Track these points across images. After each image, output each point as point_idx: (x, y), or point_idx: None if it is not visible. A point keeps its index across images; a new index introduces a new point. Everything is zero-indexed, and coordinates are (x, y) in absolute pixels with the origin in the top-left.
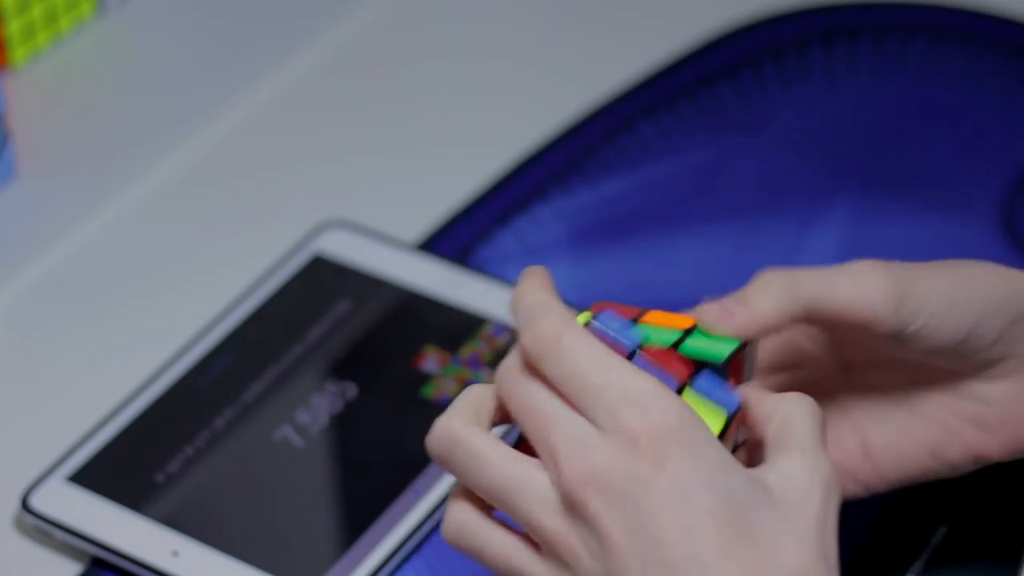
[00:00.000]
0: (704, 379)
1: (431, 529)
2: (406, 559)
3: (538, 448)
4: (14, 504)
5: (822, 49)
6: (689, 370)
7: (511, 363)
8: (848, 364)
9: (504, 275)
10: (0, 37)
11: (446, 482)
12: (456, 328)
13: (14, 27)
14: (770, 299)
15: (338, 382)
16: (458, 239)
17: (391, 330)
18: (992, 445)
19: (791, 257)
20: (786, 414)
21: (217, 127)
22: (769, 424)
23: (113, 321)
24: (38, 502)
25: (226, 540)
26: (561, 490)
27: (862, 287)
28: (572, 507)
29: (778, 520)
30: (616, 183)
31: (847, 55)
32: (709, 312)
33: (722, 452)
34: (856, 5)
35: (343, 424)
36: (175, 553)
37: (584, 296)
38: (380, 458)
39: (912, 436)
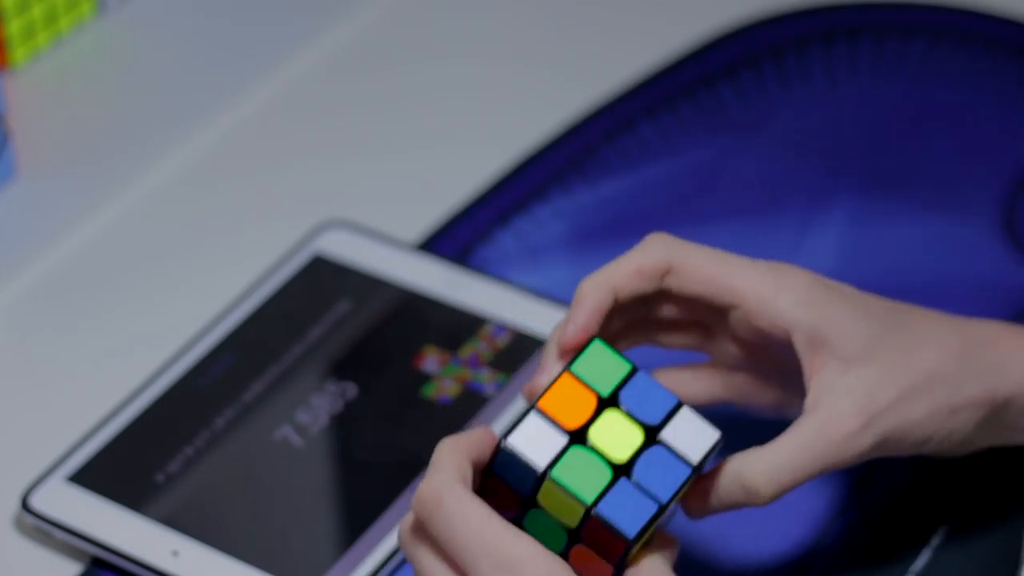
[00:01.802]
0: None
1: None
2: (406, 559)
3: None
4: (14, 504)
5: (822, 49)
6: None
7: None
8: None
9: (504, 275)
10: (0, 37)
11: None
12: (456, 328)
13: (14, 27)
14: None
15: (338, 382)
16: (458, 239)
17: (391, 330)
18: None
19: (791, 257)
20: None
21: (217, 127)
22: None
23: (113, 321)
24: (38, 502)
25: (226, 540)
26: None
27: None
28: None
29: None
30: (616, 183)
31: (847, 55)
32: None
33: None
34: (856, 5)
35: (343, 424)
36: (175, 553)
37: None
38: (380, 458)
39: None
